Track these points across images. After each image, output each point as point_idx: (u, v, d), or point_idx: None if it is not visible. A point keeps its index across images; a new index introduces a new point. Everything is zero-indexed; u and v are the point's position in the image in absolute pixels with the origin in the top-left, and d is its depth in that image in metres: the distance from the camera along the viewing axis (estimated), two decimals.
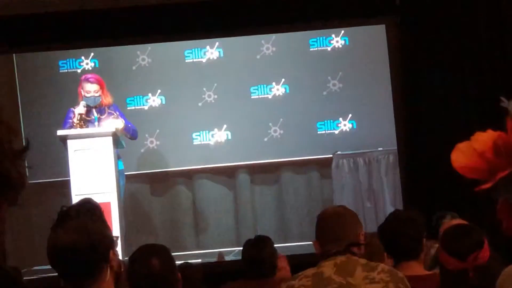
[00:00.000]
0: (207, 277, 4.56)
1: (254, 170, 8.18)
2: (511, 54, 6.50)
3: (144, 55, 8.06)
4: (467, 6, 6.52)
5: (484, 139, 1.28)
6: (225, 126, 8.10)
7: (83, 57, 8.03)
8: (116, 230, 6.44)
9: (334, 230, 2.83)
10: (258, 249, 4.02)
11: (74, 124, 6.50)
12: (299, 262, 3.59)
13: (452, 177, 5.94)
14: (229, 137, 8.12)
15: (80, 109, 6.49)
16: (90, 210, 2.09)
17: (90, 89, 6.64)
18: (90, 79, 6.72)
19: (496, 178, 1.19)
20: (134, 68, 8.07)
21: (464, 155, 1.28)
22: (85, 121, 6.52)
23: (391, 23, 6.69)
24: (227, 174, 8.17)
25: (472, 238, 2.78)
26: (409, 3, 6.56)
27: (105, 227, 2.11)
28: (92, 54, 8.02)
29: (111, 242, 2.10)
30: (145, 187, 8.15)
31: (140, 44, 7.75)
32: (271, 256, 4.01)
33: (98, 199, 6.74)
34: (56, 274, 2.10)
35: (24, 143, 1.44)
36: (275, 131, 8.11)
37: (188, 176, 8.15)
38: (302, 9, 6.56)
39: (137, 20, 6.58)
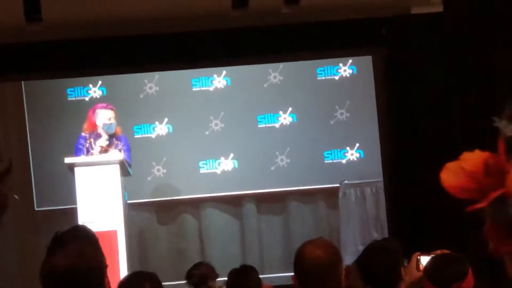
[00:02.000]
0: None
1: (261, 199, 8.16)
2: (498, 89, 6.55)
3: (152, 83, 8.09)
4: (453, 35, 6.57)
5: (473, 158, 1.27)
6: (232, 154, 8.10)
7: (91, 85, 8.07)
8: (122, 258, 6.42)
9: (314, 280, 2.79)
10: (244, 278, 3.98)
11: (92, 154, 6.51)
12: None
13: (439, 209, 5.92)
14: (236, 165, 8.11)
15: (102, 141, 6.50)
16: (88, 236, 2.09)
17: (110, 115, 6.62)
18: (107, 107, 6.72)
19: (489, 198, 1.19)
20: (141, 96, 8.10)
21: (454, 175, 1.26)
22: (105, 151, 6.54)
23: (378, 54, 6.73)
24: (234, 203, 8.16)
25: (454, 268, 2.79)
26: (396, 34, 6.60)
27: (101, 254, 2.11)
28: (100, 82, 8.06)
29: (106, 268, 2.10)
30: (152, 215, 8.13)
31: (147, 72, 7.79)
32: (257, 286, 3.97)
33: (104, 227, 6.80)
34: None
35: (7, 165, 1.43)
36: (282, 160, 8.10)
37: (195, 204, 8.13)
38: (288, 40, 6.59)
39: (145, 49, 6.62)
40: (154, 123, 8.11)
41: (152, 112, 8.09)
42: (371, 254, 3.29)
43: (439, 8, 6.48)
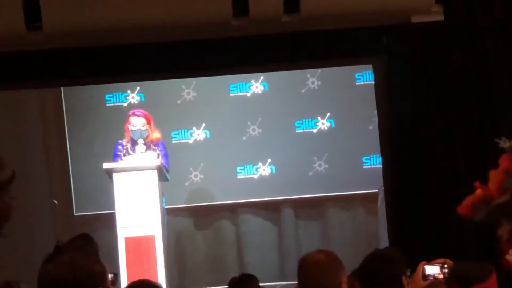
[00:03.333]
0: None
1: (299, 205, 8.12)
2: (498, 96, 6.50)
3: (189, 89, 8.11)
4: (454, 45, 6.51)
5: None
6: (269, 160, 8.08)
7: (129, 91, 8.12)
8: (160, 264, 6.43)
9: (314, 280, 2.82)
10: (245, 287, 3.94)
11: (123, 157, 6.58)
12: None
13: (440, 215, 5.91)
14: (273, 171, 8.09)
15: (139, 147, 6.56)
16: (82, 246, 2.09)
17: (136, 122, 6.72)
18: (136, 113, 6.82)
19: (469, 203, 1.23)
20: (179, 102, 8.13)
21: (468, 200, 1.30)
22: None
23: (378, 63, 6.74)
24: (271, 209, 8.13)
25: (472, 270, 2.82)
26: (396, 43, 6.61)
27: (95, 264, 2.10)
28: (138, 88, 8.10)
29: (102, 279, 2.08)
30: (189, 220, 8.14)
31: (185, 78, 7.81)
32: None
33: (142, 232, 6.83)
34: None
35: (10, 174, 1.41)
36: (320, 165, 8.05)
37: (232, 210, 8.13)
38: (286, 49, 6.61)
39: (183, 54, 6.64)
40: (192, 128, 8.12)
41: (189, 117, 8.11)
42: (372, 262, 3.26)
43: (440, 17, 6.45)
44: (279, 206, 8.11)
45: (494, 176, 1.23)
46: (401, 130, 6.60)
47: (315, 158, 8.05)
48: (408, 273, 3.26)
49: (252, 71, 7.45)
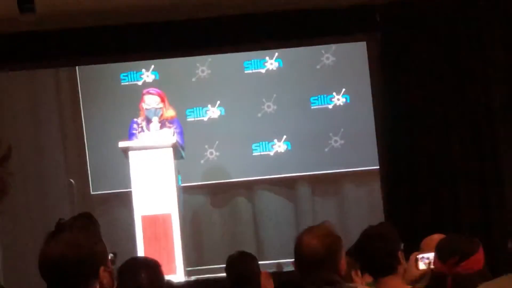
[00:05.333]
0: None
1: (315, 181, 8.11)
2: (492, 70, 6.54)
3: (204, 66, 8.09)
4: (448, 22, 6.57)
5: None
6: (284, 136, 8.06)
7: (143, 70, 8.10)
8: (177, 241, 6.45)
9: (309, 265, 2.82)
10: (247, 264, 3.92)
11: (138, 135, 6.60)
12: None
13: (433, 191, 6.00)
14: (289, 147, 8.07)
15: (153, 125, 6.56)
16: (85, 225, 2.08)
17: (151, 101, 6.72)
18: (150, 91, 6.82)
19: None
20: (193, 79, 8.11)
21: None
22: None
23: (372, 40, 6.73)
24: (288, 185, 8.12)
25: (457, 244, 2.80)
26: (390, 19, 6.59)
27: (97, 243, 2.09)
28: (152, 66, 8.09)
29: (103, 258, 2.07)
30: (205, 198, 8.16)
31: (199, 56, 7.79)
32: (257, 273, 3.91)
33: (159, 210, 6.84)
34: None
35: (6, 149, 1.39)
36: (335, 141, 8.03)
37: (248, 187, 8.13)
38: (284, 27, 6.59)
39: (197, 32, 6.62)
40: (207, 106, 8.11)
41: (204, 95, 8.10)
42: (367, 240, 3.26)
43: None
44: (295, 182, 8.10)
45: None
46: (395, 106, 6.65)
47: (330, 134, 8.02)
48: (402, 247, 3.27)
49: (247, 49, 7.41)
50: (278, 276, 6.60)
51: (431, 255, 3.14)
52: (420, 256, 3.48)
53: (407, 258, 3.40)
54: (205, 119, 8.12)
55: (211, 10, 6.44)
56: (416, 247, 3.67)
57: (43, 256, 2.05)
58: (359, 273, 3.55)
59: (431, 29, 6.61)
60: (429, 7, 6.52)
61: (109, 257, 2.13)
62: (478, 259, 2.75)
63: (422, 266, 3.46)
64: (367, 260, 3.24)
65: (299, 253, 2.87)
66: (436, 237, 3.35)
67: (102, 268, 2.04)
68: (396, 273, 3.20)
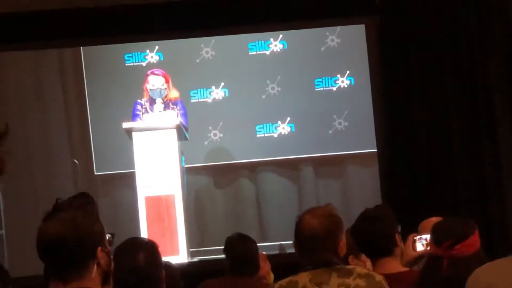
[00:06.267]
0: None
1: (319, 163, 8.11)
2: (493, 55, 6.54)
3: (208, 47, 8.07)
4: (448, 6, 6.58)
5: None
6: (288, 118, 8.05)
7: (148, 51, 8.08)
8: (180, 223, 6.47)
9: (309, 246, 2.84)
10: (246, 246, 3.93)
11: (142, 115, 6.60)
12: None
13: (431, 172, 6.08)
14: (293, 129, 8.06)
15: (157, 106, 6.57)
16: (82, 205, 2.06)
17: (156, 81, 6.72)
18: (155, 72, 6.81)
19: None
20: (197, 61, 8.09)
21: None
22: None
23: (371, 23, 6.72)
24: (291, 167, 8.12)
25: (453, 227, 2.79)
26: (388, 3, 6.59)
27: (95, 223, 2.06)
28: (156, 47, 8.06)
29: (101, 239, 2.05)
30: (209, 179, 8.17)
31: (204, 37, 7.77)
32: (256, 254, 3.92)
33: (162, 191, 6.84)
34: None
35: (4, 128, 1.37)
36: (339, 123, 8.02)
37: (252, 168, 8.14)
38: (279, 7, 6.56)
39: (201, 13, 6.61)
40: (211, 87, 8.10)
41: (208, 76, 8.08)
42: (364, 222, 3.26)
43: None
44: (298, 164, 8.10)
45: None
46: (394, 91, 6.67)
47: (334, 116, 8.01)
48: (399, 230, 3.28)
49: (248, 31, 7.42)
50: (280, 257, 6.65)
51: (428, 237, 3.15)
52: (417, 237, 3.49)
53: (404, 240, 3.42)
54: (209, 100, 8.11)
55: None
56: (414, 229, 3.69)
57: (40, 235, 2.03)
58: (355, 259, 3.56)
59: (430, 12, 6.58)
60: None
61: (107, 238, 2.11)
62: (473, 242, 2.75)
63: (419, 247, 3.47)
64: (364, 241, 3.25)
65: (299, 232, 2.88)
66: (434, 220, 3.35)
67: (99, 248, 2.03)
68: (392, 254, 3.22)
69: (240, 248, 3.96)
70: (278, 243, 7.38)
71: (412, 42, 6.64)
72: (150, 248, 2.82)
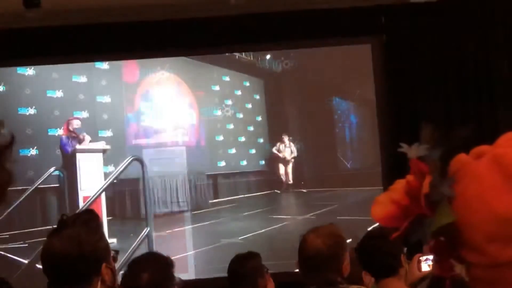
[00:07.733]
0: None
1: None
2: (496, 74, 6.58)
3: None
4: (452, 25, 6.64)
5: (400, 186, 1.25)
6: None
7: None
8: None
9: (312, 266, 2.82)
10: (241, 264, 3.87)
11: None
12: None
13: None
14: None
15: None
16: (87, 221, 2.06)
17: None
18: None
19: (407, 220, 1.19)
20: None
21: (382, 206, 1.23)
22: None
23: (377, 42, 6.74)
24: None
25: None
26: (394, 23, 6.66)
27: (100, 240, 2.08)
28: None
29: (105, 255, 2.07)
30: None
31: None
32: (254, 272, 3.83)
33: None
34: None
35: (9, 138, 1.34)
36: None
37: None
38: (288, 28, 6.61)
39: (195, 32, 6.66)
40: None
41: None
42: (372, 241, 3.23)
43: None
44: None
45: (416, 188, 1.12)
46: (399, 108, 6.71)
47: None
48: (405, 251, 3.25)
49: (253, 49, 7.43)
50: (285, 276, 6.57)
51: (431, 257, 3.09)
52: (423, 258, 3.42)
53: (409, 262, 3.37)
54: None
55: (215, 10, 6.45)
56: (419, 249, 3.64)
57: (45, 251, 2.05)
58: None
59: (436, 32, 6.63)
60: (433, 10, 6.53)
61: (111, 254, 2.12)
62: None
63: (425, 267, 3.41)
64: (368, 260, 3.23)
65: (303, 251, 2.87)
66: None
67: (104, 265, 2.04)
68: (397, 275, 3.19)
69: (236, 266, 3.91)
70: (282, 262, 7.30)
71: (417, 62, 6.71)
72: (159, 266, 2.78)
